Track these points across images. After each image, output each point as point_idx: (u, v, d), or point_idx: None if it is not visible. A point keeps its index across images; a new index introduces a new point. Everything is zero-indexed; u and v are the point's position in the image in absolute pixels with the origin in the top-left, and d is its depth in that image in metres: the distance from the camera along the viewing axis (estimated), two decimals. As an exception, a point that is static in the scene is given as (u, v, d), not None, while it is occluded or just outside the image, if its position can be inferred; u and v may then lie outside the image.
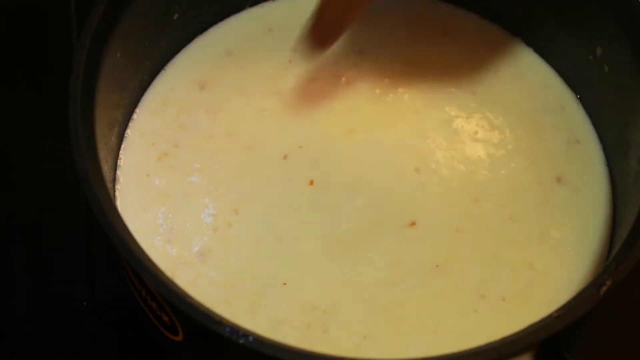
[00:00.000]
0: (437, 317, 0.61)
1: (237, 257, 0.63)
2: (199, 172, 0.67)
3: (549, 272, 0.63)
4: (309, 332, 0.60)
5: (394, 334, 0.60)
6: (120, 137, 0.68)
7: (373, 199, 0.66)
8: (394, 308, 0.61)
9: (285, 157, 0.68)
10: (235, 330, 0.49)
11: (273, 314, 0.60)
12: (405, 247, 0.64)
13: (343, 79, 0.72)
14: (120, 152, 0.68)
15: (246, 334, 0.49)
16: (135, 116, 0.70)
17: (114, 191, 0.66)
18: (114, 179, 0.66)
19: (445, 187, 0.67)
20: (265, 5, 0.77)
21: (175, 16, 0.72)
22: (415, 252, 0.63)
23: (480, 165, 0.68)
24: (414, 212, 0.65)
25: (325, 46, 0.67)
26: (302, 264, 0.63)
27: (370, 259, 0.63)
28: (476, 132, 0.70)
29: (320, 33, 0.66)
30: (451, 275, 0.62)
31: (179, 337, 0.57)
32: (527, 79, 0.73)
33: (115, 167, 0.67)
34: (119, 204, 0.65)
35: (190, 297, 0.51)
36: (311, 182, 0.66)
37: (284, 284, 0.62)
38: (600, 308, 0.53)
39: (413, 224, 0.65)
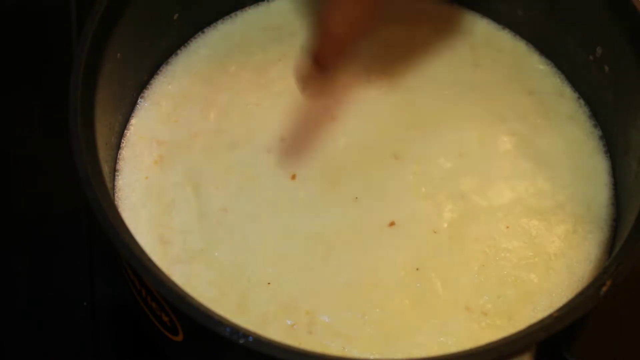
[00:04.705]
0: (418, 320, 0.61)
1: (226, 256, 0.63)
2: (193, 172, 0.67)
3: (542, 281, 0.63)
4: (294, 332, 0.60)
5: (375, 336, 0.60)
6: (120, 137, 0.68)
7: (352, 192, 0.66)
8: (375, 311, 0.61)
9: (269, 151, 0.68)
10: (236, 330, 0.49)
11: (260, 313, 0.61)
12: (385, 249, 0.63)
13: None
14: (120, 152, 0.68)
15: (246, 334, 0.49)
16: (134, 116, 0.70)
17: (114, 191, 0.66)
18: (114, 179, 0.66)
19: (426, 181, 0.67)
20: (262, 5, 0.77)
21: (175, 16, 0.72)
22: (395, 254, 0.63)
23: (470, 163, 0.68)
24: (393, 209, 0.65)
25: (331, 66, 0.58)
26: (285, 264, 0.63)
27: (350, 260, 0.63)
28: (470, 128, 0.70)
29: (324, 51, 0.58)
30: (433, 281, 0.62)
31: (179, 337, 0.57)
32: (526, 78, 0.73)
33: (115, 168, 0.67)
34: (119, 204, 0.65)
35: (190, 297, 0.51)
36: (293, 177, 0.66)
37: (268, 283, 0.62)
38: (600, 308, 0.53)
39: (392, 224, 0.65)
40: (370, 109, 0.70)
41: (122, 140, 0.69)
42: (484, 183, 0.67)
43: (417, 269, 0.62)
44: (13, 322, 0.73)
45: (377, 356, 0.59)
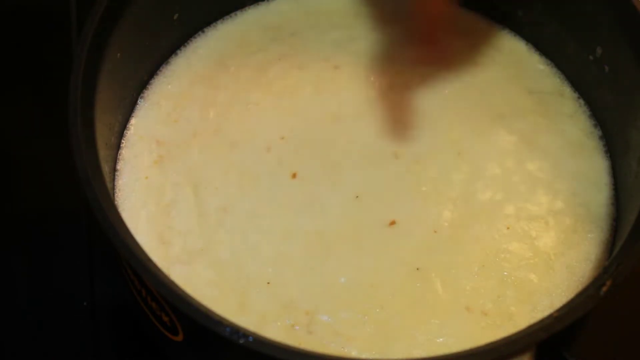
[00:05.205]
0: (418, 320, 0.60)
1: (226, 256, 0.63)
2: (193, 172, 0.67)
3: (542, 281, 0.63)
4: (294, 332, 0.60)
5: (375, 335, 0.60)
6: (120, 137, 0.68)
7: (352, 191, 0.66)
8: (375, 310, 0.61)
9: (268, 150, 0.68)
10: (235, 330, 0.49)
11: (259, 313, 0.61)
12: (385, 248, 0.63)
13: (333, 64, 0.73)
14: (120, 152, 0.68)
15: (246, 334, 0.49)
16: (134, 116, 0.70)
17: (114, 191, 0.66)
18: (114, 179, 0.66)
19: (427, 180, 0.67)
20: (262, 4, 0.77)
21: (175, 16, 0.72)
22: (395, 253, 0.63)
23: (470, 162, 0.68)
24: (394, 208, 0.65)
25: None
26: (285, 263, 0.63)
27: (351, 259, 0.63)
28: (470, 127, 0.70)
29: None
30: (433, 280, 0.62)
31: (179, 337, 0.57)
32: (526, 78, 0.73)
33: (115, 168, 0.67)
34: (119, 204, 0.65)
35: (190, 297, 0.51)
36: (293, 175, 0.66)
37: (268, 283, 0.62)
38: (600, 308, 0.53)
39: (393, 223, 0.64)
40: (370, 108, 0.70)
41: (122, 140, 0.69)
42: (484, 182, 0.67)
43: (418, 269, 0.62)
44: (13, 322, 0.73)
45: (377, 356, 0.59)
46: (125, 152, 0.68)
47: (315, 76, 0.72)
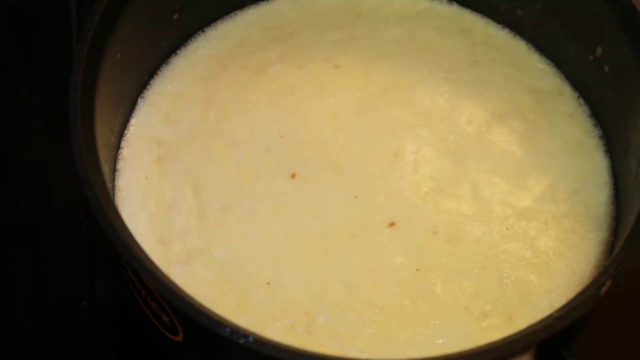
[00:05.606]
0: (418, 321, 0.60)
1: (225, 256, 0.63)
2: (193, 172, 0.67)
3: (542, 281, 0.63)
4: (293, 332, 0.60)
5: (375, 336, 0.60)
6: (120, 137, 0.68)
7: (352, 191, 0.66)
8: (375, 311, 0.61)
9: (268, 150, 0.68)
10: (235, 330, 0.49)
11: (260, 313, 0.61)
12: (385, 249, 0.63)
13: (332, 63, 0.73)
14: (120, 152, 0.68)
15: (246, 334, 0.49)
16: (134, 116, 0.70)
17: (114, 191, 0.66)
18: (114, 179, 0.66)
19: (427, 181, 0.67)
20: (263, 4, 0.77)
21: (175, 16, 0.72)
22: (395, 254, 0.63)
23: (469, 162, 0.68)
24: (394, 209, 0.65)
25: None
26: (284, 263, 0.63)
27: (350, 260, 0.63)
28: (469, 126, 0.70)
29: None
30: (432, 281, 0.62)
31: (179, 337, 0.57)
32: (526, 78, 0.73)
33: (115, 167, 0.67)
34: (119, 204, 0.65)
35: (190, 297, 0.51)
36: (293, 175, 0.66)
37: (268, 283, 0.62)
38: (600, 308, 0.53)
39: (392, 224, 0.64)
40: (370, 108, 0.70)
41: (122, 140, 0.69)
42: (483, 182, 0.67)
43: (417, 270, 0.62)
44: (13, 322, 0.73)
45: (376, 356, 0.59)
46: (125, 152, 0.68)
47: (315, 76, 0.72)
